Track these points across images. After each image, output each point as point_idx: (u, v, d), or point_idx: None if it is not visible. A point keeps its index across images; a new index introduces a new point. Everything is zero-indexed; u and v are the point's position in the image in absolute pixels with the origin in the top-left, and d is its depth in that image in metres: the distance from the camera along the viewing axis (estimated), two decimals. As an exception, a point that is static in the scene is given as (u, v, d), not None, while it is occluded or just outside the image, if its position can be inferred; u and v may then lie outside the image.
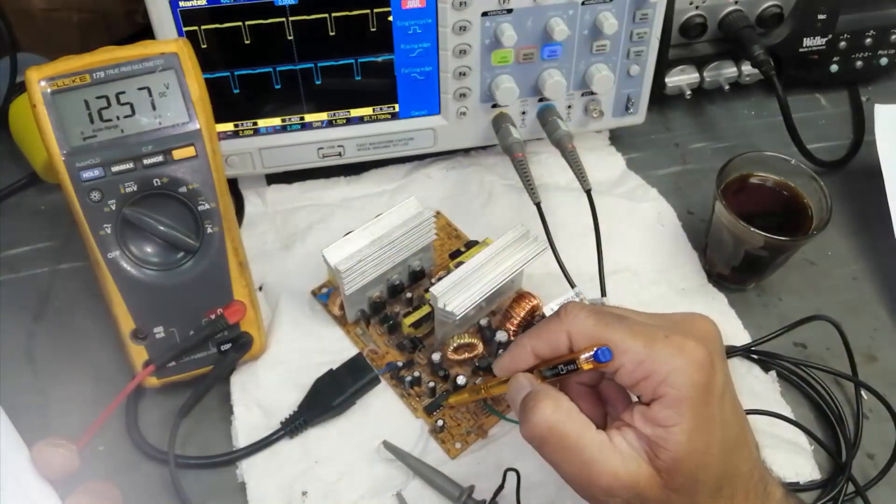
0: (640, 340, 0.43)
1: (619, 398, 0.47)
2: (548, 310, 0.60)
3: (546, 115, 0.70)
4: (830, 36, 0.78)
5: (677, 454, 0.42)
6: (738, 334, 0.64)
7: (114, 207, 0.54)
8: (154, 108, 0.54)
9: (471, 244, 0.68)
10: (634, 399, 0.46)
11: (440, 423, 0.58)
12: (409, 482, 0.56)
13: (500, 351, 0.60)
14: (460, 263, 0.61)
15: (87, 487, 0.53)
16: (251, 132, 0.69)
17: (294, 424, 0.58)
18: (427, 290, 0.61)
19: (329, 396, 0.59)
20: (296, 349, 0.62)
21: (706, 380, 0.42)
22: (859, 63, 0.81)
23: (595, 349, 0.43)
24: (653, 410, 0.43)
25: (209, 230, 0.56)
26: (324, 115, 0.69)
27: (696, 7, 0.74)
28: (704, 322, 0.46)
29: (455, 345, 0.60)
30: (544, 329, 0.46)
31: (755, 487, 0.45)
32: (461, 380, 0.59)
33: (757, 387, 0.62)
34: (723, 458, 0.43)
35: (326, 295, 0.65)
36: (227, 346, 0.59)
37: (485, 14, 0.64)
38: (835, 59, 0.81)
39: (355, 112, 0.69)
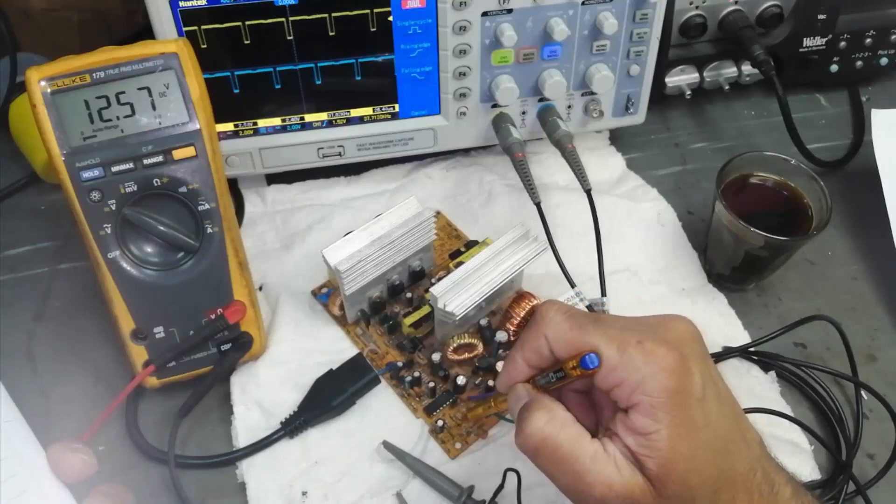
0: (613, 345, 0.43)
1: (607, 404, 0.46)
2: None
3: (546, 115, 0.70)
4: (830, 36, 0.78)
5: (662, 462, 0.41)
6: (738, 334, 0.64)
7: (114, 207, 0.54)
8: (154, 108, 0.54)
9: (471, 244, 0.68)
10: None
11: (440, 423, 0.58)
12: (409, 482, 0.56)
13: (500, 351, 0.60)
14: (460, 263, 0.61)
15: (100, 490, 0.54)
16: (251, 132, 0.69)
17: (294, 424, 0.58)
18: (427, 290, 0.61)
19: (329, 396, 0.59)
20: (296, 349, 0.62)
21: (679, 385, 0.42)
22: (859, 63, 0.81)
23: (583, 356, 0.43)
24: (630, 419, 0.42)
25: (209, 230, 0.56)
26: (324, 115, 0.69)
27: (696, 7, 0.74)
28: (681, 323, 0.45)
29: (455, 345, 0.60)
30: (526, 337, 0.46)
31: (759, 487, 0.44)
32: (461, 380, 0.59)
33: (757, 387, 0.62)
34: (714, 461, 0.42)
35: (326, 295, 0.65)
36: (227, 346, 0.59)
37: (485, 14, 0.64)
38: (835, 59, 0.81)
39: (355, 112, 0.69)
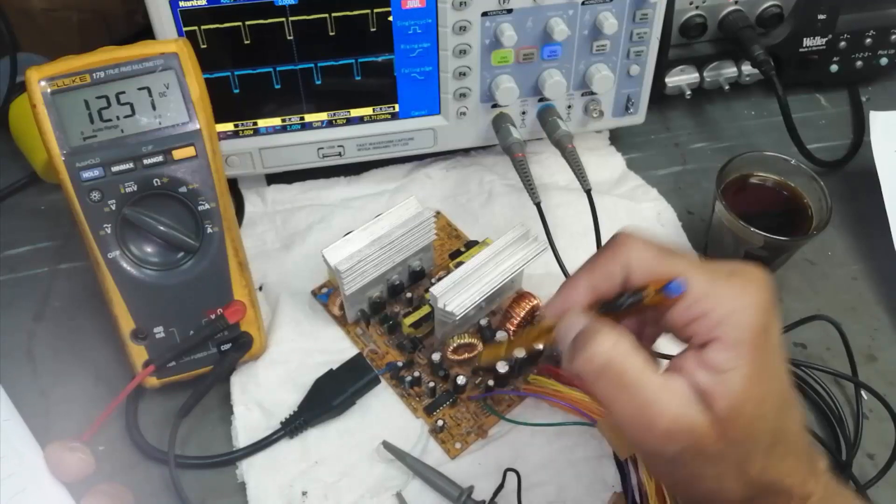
0: (702, 275, 0.40)
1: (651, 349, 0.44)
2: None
3: (546, 115, 0.70)
4: (830, 36, 0.78)
5: (734, 402, 0.39)
6: (738, 334, 0.64)
7: (114, 207, 0.54)
8: (154, 108, 0.54)
9: (471, 244, 0.68)
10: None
11: (440, 423, 0.58)
12: (409, 482, 0.56)
13: (500, 351, 0.60)
14: (460, 263, 0.61)
15: (99, 489, 0.54)
16: (251, 132, 0.69)
17: (294, 424, 0.58)
18: (427, 290, 0.61)
19: (329, 396, 0.59)
20: (296, 349, 0.62)
21: (767, 325, 0.40)
22: (859, 63, 0.81)
23: (668, 282, 0.40)
24: (708, 354, 0.39)
25: (209, 230, 0.56)
26: (324, 115, 0.69)
27: (696, 7, 0.74)
28: (760, 270, 0.42)
29: (455, 345, 0.60)
30: (599, 263, 0.44)
31: (804, 454, 0.43)
32: (461, 380, 0.59)
33: (757, 387, 0.62)
34: (778, 413, 0.40)
35: (326, 295, 0.65)
36: (227, 346, 0.59)
37: (485, 14, 0.64)
38: (835, 59, 0.81)
39: (355, 112, 0.69)
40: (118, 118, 0.53)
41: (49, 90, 0.52)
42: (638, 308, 0.42)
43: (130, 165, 0.53)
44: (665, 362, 0.42)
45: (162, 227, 0.55)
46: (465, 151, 0.76)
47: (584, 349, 0.41)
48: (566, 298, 0.44)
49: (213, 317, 0.58)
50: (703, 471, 0.40)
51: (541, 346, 0.59)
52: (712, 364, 0.39)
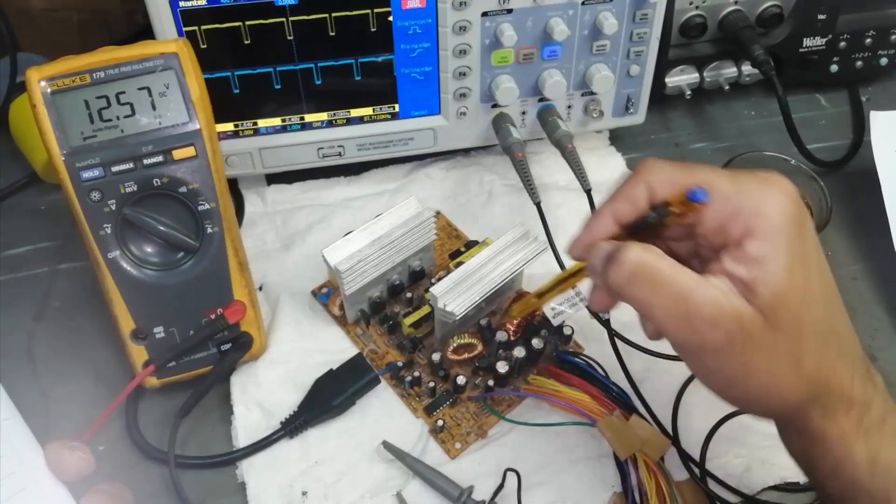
0: (725, 178, 0.41)
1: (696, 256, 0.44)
2: (548, 310, 0.60)
3: (546, 115, 0.70)
4: (830, 36, 0.78)
5: (776, 288, 0.39)
6: (738, 334, 0.64)
7: (114, 207, 0.54)
8: (154, 108, 0.54)
9: (471, 244, 0.68)
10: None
11: (440, 423, 0.58)
12: (409, 482, 0.56)
13: (500, 351, 0.60)
14: (460, 263, 0.61)
15: (99, 488, 0.54)
16: (251, 132, 0.69)
17: (294, 424, 0.58)
18: (427, 290, 0.61)
19: (329, 396, 0.59)
20: (296, 349, 0.62)
21: (799, 213, 0.40)
22: (859, 63, 0.81)
23: (691, 189, 0.40)
24: (744, 249, 0.39)
25: (209, 230, 0.56)
26: (324, 115, 0.69)
27: (696, 7, 0.74)
28: (783, 176, 0.42)
29: (455, 345, 0.60)
30: (622, 189, 0.44)
31: (859, 359, 0.42)
32: (461, 380, 0.59)
33: (757, 387, 0.62)
34: (825, 307, 0.40)
35: (326, 295, 0.65)
36: (227, 346, 0.59)
37: (485, 14, 0.64)
38: (835, 59, 0.81)
39: (355, 112, 0.69)
40: (118, 118, 0.53)
41: (49, 90, 0.52)
42: (666, 224, 0.41)
43: (130, 165, 0.53)
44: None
45: (162, 227, 0.55)
46: (465, 151, 0.76)
47: (614, 261, 0.40)
48: (592, 231, 0.44)
49: (213, 317, 0.58)
50: (756, 361, 0.40)
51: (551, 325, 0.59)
52: (750, 256, 0.39)
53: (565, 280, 0.49)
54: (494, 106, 0.70)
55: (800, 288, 0.39)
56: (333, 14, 0.63)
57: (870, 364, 0.44)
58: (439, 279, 0.60)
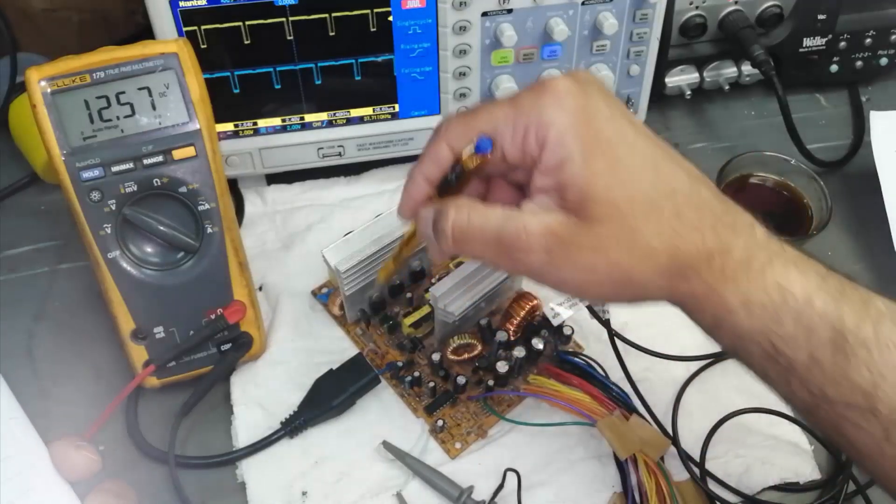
0: (506, 107, 0.42)
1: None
2: (548, 310, 0.60)
3: (546, 115, 0.70)
4: (830, 36, 0.78)
5: (580, 184, 0.40)
6: (738, 334, 0.64)
7: (114, 207, 0.54)
8: (154, 108, 0.54)
9: (471, 244, 0.68)
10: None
11: (440, 423, 0.58)
12: (409, 482, 0.56)
13: (500, 351, 0.60)
14: (460, 263, 0.61)
15: (103, 487, 0.54)
16: (251, 132, 0.69)
17: (294, 424, 0.58)
18: (427, 290, 0.61)
19: (329, 396, 0.59)
20: (296, 349, 0.62)
21: (579, 102, 0.41)
22: (859, 63, 0.81)
23: (475, 141, 0.42)
24: (543, 162, 0.41)
25: (209, 230, 0.56)
26: (324, 115, 0.69)
27: (696, 7, 0.74)
28: (559, 76, 0.43)
29: (455, 345, 0.60)
30: (426, 151, 0.46)
31: (710, 209, 0.42)
32: (461, 380, 0.59)
33: (757, 387, 0.61)
34: (642, 175, 0.41)
35: (326, 295, 0.65)
36: (227, 346, 0.59)
37: (485, 14, 0.64)
38: (835, 59, 0.81)
39: (355, 112, 0.69)
40: (118, 118, 0.53)
41: (49, 90, 0.52)
42: (470, 175, 0.44)
43: (130, 165, 0.53)
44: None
45: (162, 227, 0.55)
46: (465, 151, 0.76)
47: (441, 236, 0.43)
48: (410, 196, 0.46)
49: (213, 317, 0.58)
50: (590, 259, 0.41)
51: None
52: (550, 166, 0.41)
53: (408, 242, 0.53)
54: (494, 106, 0.70)
55: (605, 172, 0.40)
56: (333, 14, 0.63)
57: (732, 210, 0.43)
58: (439, 279, 0.60)
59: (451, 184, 0.45)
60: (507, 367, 0.58)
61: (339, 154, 0.71)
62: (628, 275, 0.41)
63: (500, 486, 0.55)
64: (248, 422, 0.59)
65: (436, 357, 0.60)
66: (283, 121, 0.69)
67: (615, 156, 0.41)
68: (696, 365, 0.61)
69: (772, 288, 0.41)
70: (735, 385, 0.61)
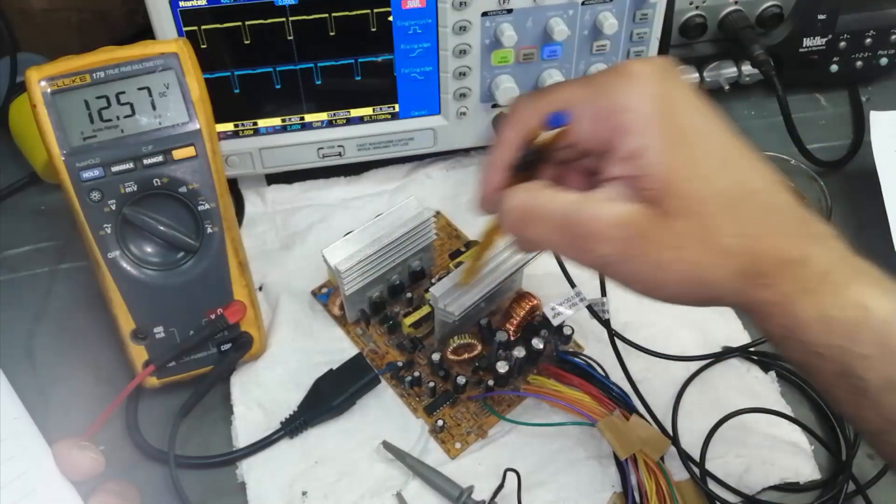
0: (578, 86, 0.41)
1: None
2: (548, 310, 0.60)
3: (546, 115, 0.70)
4: (830, 36, 0.78)
5: (659, 175, 0.38)
6: (737, 334, 0.64)
7: (114, 207, 0.54)
8: (154, 108, 0.54)
9: (471, 244, 0.68)
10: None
11: (440, 423, 0.58)
12: (409, 482, 0.56)
13: (500, 351, 0.60)
14: (460, 263, 0.61)
15: (107, 487, 0.53)
16: (251, 132, 0.69)
17: (294, 424, 0.58)
18: (427, 290, 0.61)
19: (329, 396, 0.59)
20: (296, 349, 0.62)
21: (659, 89, 0.39)
22: (859, 63, 0.81)
23: (549, 117, 0.41)
24: (620, 149, 0.39)
25: (209, 230, 0.56)
26: (324, 115, 0.69)
27: (696, 7, 0.74)
28: (637, 60, 0.43)
29: (455, 345, 0.60)
30: (499, 136, 0.44)
31: (791, 216, 0.39)
32: (461, 380, 0.59)
33: (757, 387, 0.62)
34: (722, 170, 0.39)
35: (326, 295, 0.65)
36: (227, 346, 0.59)
37: (485, 14, 0.64)
38: (835, 59, 0.80)
39: (355, 112, 0.69)
40: (118, 118, 0.53)
41: (49, 90, 0.52)
42: (543, 154, 0.42)
43: (130, 165, 0.53)
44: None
45: (162, 227, 0.55)
46: (465, 151, 0.76)
47: (503, 213, 0.42)
48: (486, 184, 0.45)
49: (213, 317, 0.58)
50: (664, 256, 0.39)
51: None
52: (626, 153, 0.39)
53: (489, 238, 0.51)
54: (494, 106, 0.70)
55: (686, 165, 0.38)
56: (333, 14, 0.63)
57: (806, 214, 0.41)
58: (439, 279, 0.60)
59: (528, 166, 0.43)
60: (507, 367, 0.58)
61: (339, 154, 0.71)
62: (700, 275, 0.39)
63: (500, 486, 0.55)
64: (248, 422, 0.59)
65: (436, 357, 0.60)
66: (283, 121, 0.69)
67: (696, 149, 0.39)
68: (695, 365, 0.61)
69: (851, 305, 0.38)
70: (735, 385, 0.61)
